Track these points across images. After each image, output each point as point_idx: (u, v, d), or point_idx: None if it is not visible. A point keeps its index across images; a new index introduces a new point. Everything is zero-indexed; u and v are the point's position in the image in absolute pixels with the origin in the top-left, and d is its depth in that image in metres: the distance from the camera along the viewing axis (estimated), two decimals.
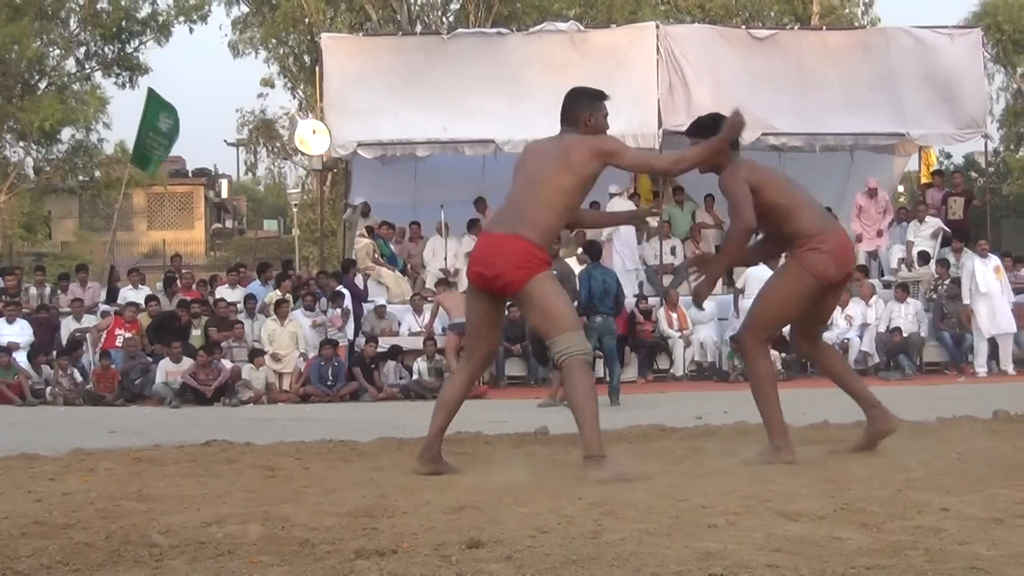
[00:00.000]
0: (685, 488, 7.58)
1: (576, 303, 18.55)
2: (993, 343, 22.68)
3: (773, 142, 25.31)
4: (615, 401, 18.20)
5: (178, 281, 24.67)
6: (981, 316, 22.32)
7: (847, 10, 49.71)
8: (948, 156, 53.67)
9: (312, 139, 24.87)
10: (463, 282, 24.33)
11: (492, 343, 9.13)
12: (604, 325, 18.98)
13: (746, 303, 21.53)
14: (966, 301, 22.74)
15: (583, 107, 9.13)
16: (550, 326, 8.57)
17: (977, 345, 22.58)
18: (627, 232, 25.34)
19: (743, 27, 29.98)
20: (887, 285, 24.44)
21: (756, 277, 20.94)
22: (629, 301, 23.89)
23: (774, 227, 9.12)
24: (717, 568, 5.34)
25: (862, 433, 9.42)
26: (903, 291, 23.63)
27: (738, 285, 23.15)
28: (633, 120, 24.41)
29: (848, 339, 23.00)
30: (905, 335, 22.74)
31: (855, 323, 23.41)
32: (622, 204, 25.30)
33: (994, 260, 22.71)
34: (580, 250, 20.09)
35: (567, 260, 23.83)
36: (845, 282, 9.30)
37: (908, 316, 23.28)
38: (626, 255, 25.23)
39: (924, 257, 24.52)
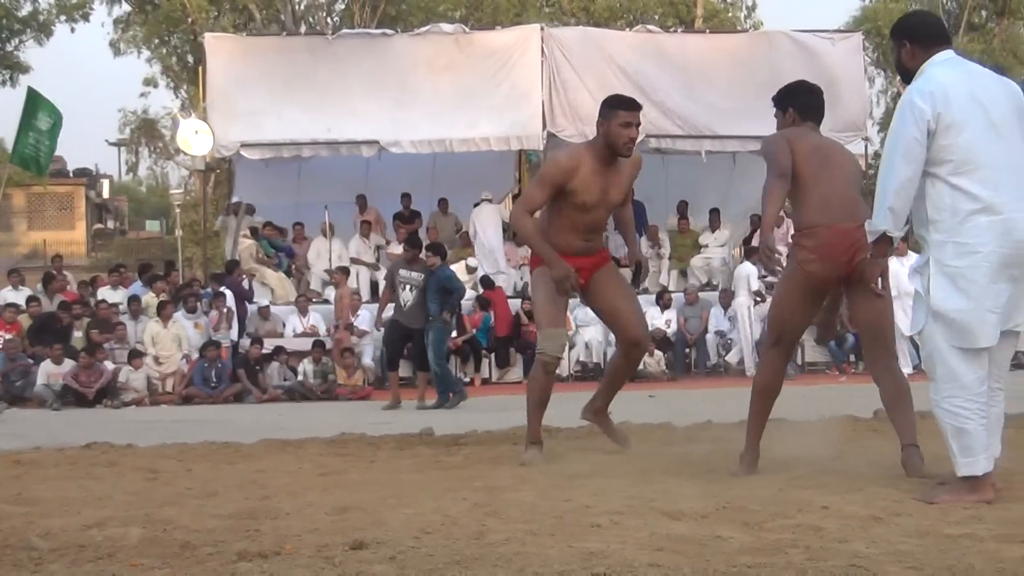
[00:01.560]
0: (569, 488, 7.61)
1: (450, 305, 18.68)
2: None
3: (655, 144, 25.44)
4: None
5: (55, 281, 24.32)
6: (898, 316, 22.26)
7: (730, 14, 50.20)
8: None
9: (195, 139, 24.65)
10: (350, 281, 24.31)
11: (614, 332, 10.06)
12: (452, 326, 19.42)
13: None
14: None
15: (600, 114, 9.32)
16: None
17: (898, 344, 22.27)
18: (494, 234, 25.46)
19: (627, 30, 30.12)
20: (769, 287, 24.58)
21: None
22: (514, 303, 24.04)
23: None
24: (600, 568, 5.36)
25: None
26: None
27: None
28: (517, 122, 24.48)
29: (732, 339, 23.25)
30: None
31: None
32: (489, 209, 25.49)
33: (913, 260, 22.41)
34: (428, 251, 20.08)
35: (452, 266, 23.96)
36: (847, 278, 8.37)
37: None
38: (489, 256, 25.29)
39: None
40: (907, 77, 7.18)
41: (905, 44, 7.19)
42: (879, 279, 7.71)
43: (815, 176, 8.29)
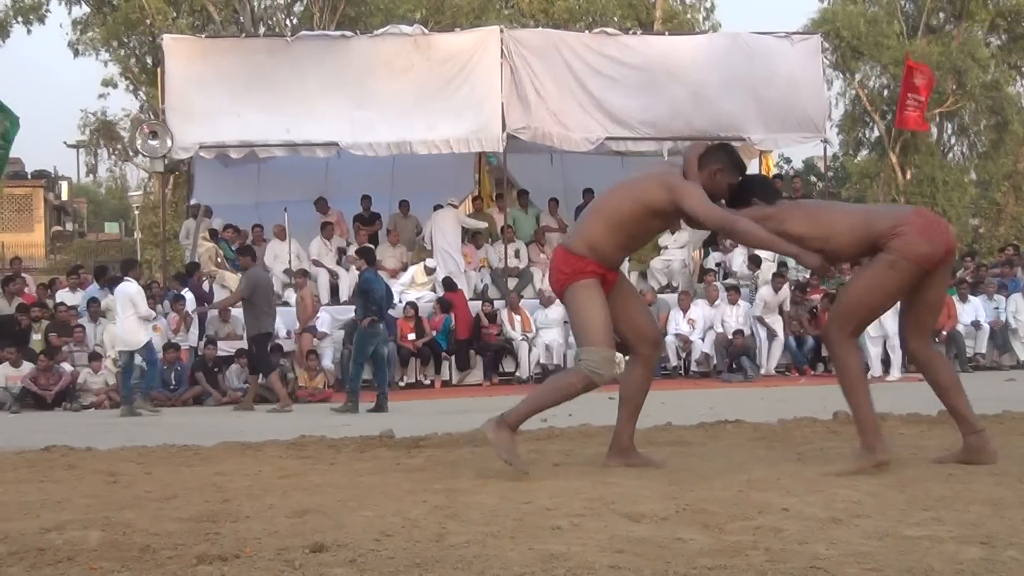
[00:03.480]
0: (529, 490, 7.62)
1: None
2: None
3: (616, 147, 25.50)
4: (383, 407, 18.25)
5: (13, 283, 24.13)
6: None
7: (689, 16, 50.25)
8: (788, 160, 54.62)
9: (154, 141, 24.51)
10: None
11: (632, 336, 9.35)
12: (386, 331, 19.40)
13: None
14: None
15: (715, 159, 9.01)
16: (577, 335, 9.01)
17: (868, 349, 21.95)
18: (453, 237, 25.40)
19: (586, 32, 30.15)
20: (728, 288, 24.53)
21: None
22: (475, 306, 24.01)
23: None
24: (560, 570, 5.37)
25: (957, 450, 8.75)
26: (735, 293, 23.82)
27: None
28: (477, 124, 24.41)
29: (692, 341, 23.30)
30: (746, 336, 22.97)
31: (698, 325, 23.65)
32: (449, 213, 25.44)
33: None
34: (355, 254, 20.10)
35: (411, 267, 23.97)
36: (948, 261, 8.51)
37: (738, 318, 23.47)
38: (447, 259, 25.19)
39: (756, 260, 24.55)
40: None
41: None
42: None
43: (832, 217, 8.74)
